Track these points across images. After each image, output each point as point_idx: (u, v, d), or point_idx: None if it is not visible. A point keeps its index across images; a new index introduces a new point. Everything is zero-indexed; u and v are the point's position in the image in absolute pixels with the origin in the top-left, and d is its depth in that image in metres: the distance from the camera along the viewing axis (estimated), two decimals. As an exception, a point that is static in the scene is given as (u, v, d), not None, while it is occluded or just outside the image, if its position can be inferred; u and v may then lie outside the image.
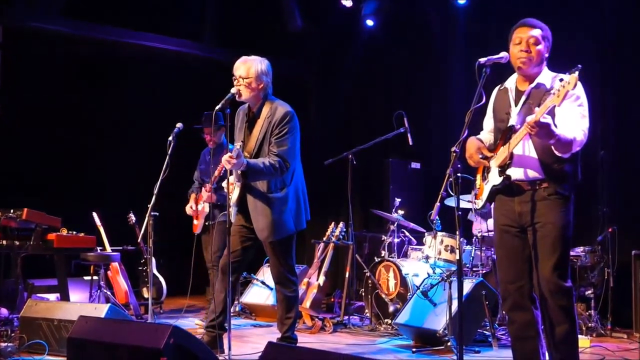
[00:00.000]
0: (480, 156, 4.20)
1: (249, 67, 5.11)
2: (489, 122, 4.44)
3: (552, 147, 3.92)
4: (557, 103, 3.74)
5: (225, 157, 4.86)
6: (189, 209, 6.83)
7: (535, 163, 4.04)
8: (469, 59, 4.27)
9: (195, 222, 6.85)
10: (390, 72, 9.41)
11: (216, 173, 6.40)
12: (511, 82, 4.28)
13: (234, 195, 5.13)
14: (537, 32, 4.09)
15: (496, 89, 4.39)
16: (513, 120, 4.11)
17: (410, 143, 7.11)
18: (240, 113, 5.34)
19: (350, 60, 9.90)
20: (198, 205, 6.77)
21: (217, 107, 4.90)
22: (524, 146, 4.06)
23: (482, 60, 4.04)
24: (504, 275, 4.24)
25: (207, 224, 6.73)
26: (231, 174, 5.13)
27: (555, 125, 3.84)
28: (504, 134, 4.13)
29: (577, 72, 3.67)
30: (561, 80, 3.72)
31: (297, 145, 5.19)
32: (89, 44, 8.77)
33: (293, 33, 9.66)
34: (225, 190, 5.11)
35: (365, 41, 9.67)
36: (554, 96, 3.73)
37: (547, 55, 4.14)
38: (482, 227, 6.57)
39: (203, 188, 6.73)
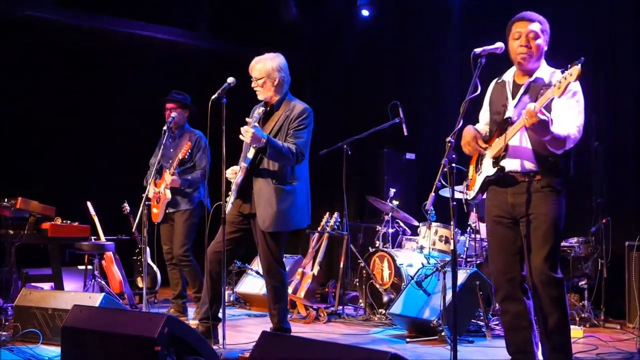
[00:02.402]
0: (476, 144, 4.21)
1: (260, 68, 5.12)
2: (484, 115, 4.44)
3: (546, 143, 3.92)
4: (557, 95, 3.73)
5: (243, 129, 4.84)
6: (151, 192, 6.49)
7: (530, 155, 4.05)
8: (464, 50, 4.27)
9: (154, 210, 6.63)
10: (385, 63, 9.39)
11: (180, 156, 6.29)
12: (509, 76, 4.28)
13: (237, 179, 5.08)
14: (536, 27, 4.08)
15: (493, 81, 4.39)
16: (510, 113, 4.11)
17: (405, 133, 7.11)
18: (256, 107, 5.30)
19: (345, 50, 9.88)
20: (159, 189, 6.52)
21: (213, 97, 4.89)
22: (520, 138, 4.07)
23: (478, 50, 4.03)
24: (497, 266, 4.26)
25: (167, 211, 6.56)
26: (241, 159, 5.11)
27: (552, 122, 3.85)
28: (500, 125, 4.13)
29: (579, 64, 3.65)
30: (563, 71, 3.71)
31: (309, 143, 5.18)
32: (81, 33, 8.73)
33: (288, 23, 9.64)
34: (229, 176, 5.07)
35: (360, 31, 9.65)
36: (554, 88, 3.72)
37: (545, 48, 4.14)
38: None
39: (163, 172, 6.52)
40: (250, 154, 5.03)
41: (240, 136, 4.89)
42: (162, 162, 6.58)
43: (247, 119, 4.96)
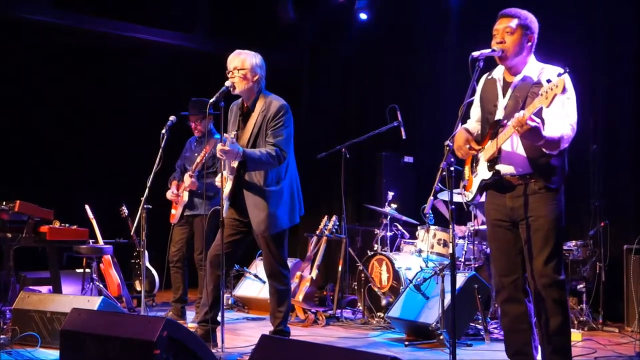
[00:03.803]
0: (468, 147, 4.20)
1: (244, 59, 5.12)
2: (476, 111, 4.43)
3: (541, 147, 3.92)
4: (545, 105, 3.72)
5: (219, 148, 4.85)
6: (170, 194, 6.68)
7: (523, 159, 4.04)
8: (463, 52, 4.26)
9: (173, 211, 6.72)
10: (383, 65, 9.40)
11: (198, 159, 6.35)
12: (499, 73, 4.26)
13: (226, 189, 5.10)
14: (513, 22, 4.06)
15: (484, 77, 4.36)
16: (500, 113, 4.10)
17: (404, 137, 7.11)
18: (234, 108, 5.32)
19: (342, 53, 9.88)
20: (179, 191, 6.62)
21: (211, 100, 4.89)
22: (512, 142, 4.06)
23: (475, 54, 4.01)
24: (498, 269, 4.26)
25: (184, 214, 6.61)
26: (224, 168, 5.12)
27: (544, 122, 3.84)
28: (492, 127, 4.12)
29: (564, 76, 3.64)
30: (549, 81, 3.69)
31: (291, 138, 5.19)
32: (81, 36, 8.73)
33: (285, 25, 9.64)
34: (218, 183, 5.10)
35: (358, 34, 9.64)
36: (542, 97, 3.70)
37: (528, 44, 4.10)
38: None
39: (186, 175, 6.60)
40: (234, 163, 5.04)
41: (219, 154, 4.87)
42: (186, 166, 6.69)
43: (225, 135, 4.94)
